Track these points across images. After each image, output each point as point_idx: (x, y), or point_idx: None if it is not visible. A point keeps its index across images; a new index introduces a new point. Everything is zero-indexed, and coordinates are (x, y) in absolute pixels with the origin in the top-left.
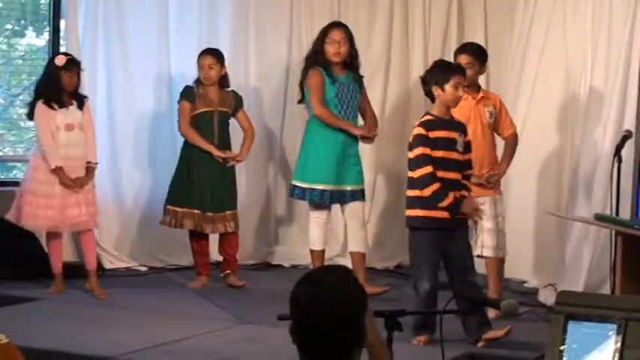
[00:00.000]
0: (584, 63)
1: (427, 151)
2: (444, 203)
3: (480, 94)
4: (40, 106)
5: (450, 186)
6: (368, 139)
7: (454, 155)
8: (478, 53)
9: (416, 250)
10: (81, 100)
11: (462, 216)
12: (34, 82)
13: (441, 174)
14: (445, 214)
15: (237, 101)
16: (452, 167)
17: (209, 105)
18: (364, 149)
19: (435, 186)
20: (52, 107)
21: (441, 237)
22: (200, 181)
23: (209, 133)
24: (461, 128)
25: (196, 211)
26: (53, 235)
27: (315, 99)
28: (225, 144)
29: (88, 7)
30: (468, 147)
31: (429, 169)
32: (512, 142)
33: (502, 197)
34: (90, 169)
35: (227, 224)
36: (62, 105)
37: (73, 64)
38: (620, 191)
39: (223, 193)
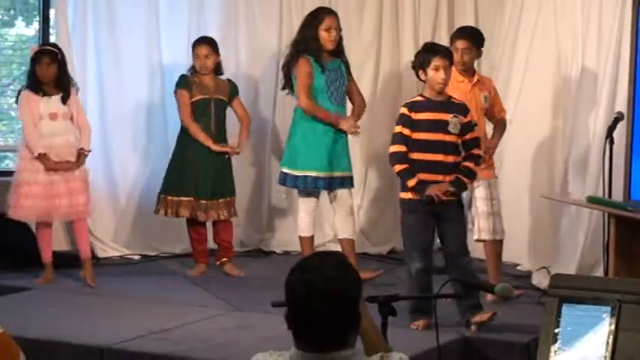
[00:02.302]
0: (574, 47)
1: (405, 131)
2: (409, 184)
3: (476, 78)
4: (23, 93)
5: (432, 168)
6: (355, 133)
7: (443, 137)
8: (475, 37)
9: (405, 231)
10: (65, 91)
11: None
12: (24, 72)
13: (419, 156)
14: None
15: (233, 89)
16: (438, 149)
17: (205, 93)
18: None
19: (402, 167)
20: (36, 94)
21: (428, 219)
22: (194, 169)
23: (206, 120)
24: (458, 109)
25: (191, 199)
26: (42, 225)
27: (303, 91)
28: (221, 132)
29: None
30: (467, 127)
31: (401, 147)
32: (501, 126)
33: (497, 181)
34: (81, 155)
35: (220, 212)
36: (45, 94)
37: (44, 54)
38: (613, 173)
39: (218, 180)
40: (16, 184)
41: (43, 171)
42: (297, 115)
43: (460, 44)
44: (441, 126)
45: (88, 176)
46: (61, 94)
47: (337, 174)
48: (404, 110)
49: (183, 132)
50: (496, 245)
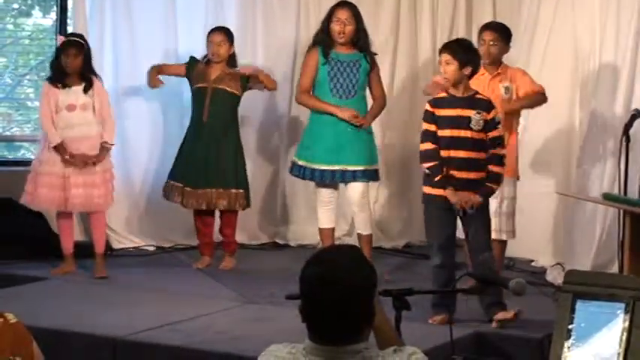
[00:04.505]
0: (592, 42)
1: (431, 127)
2: (435, 179)
3: (497, 71)
4: (44, 85)
5: (456, 165)
6: (357, 122)
7: (466, 134)
8: (502, 31)
9: (426, 225)
10: (88, 82)
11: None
12: (41, 61)
13: (443, 152)
14: (443, 192)
15: (243, 81)
16: (462, 146)
17: (204, 81)
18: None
19: (432, 163)
20: (55, 86)
21: (450, 214)
22: (187, 156)
23: (199, 110)
24: (481, 105)
25: (179, 185)
26: (62, 216)
27: (301, 83)
28: (217, 123)
29: None
30: (489, 125)
31: (429, 145)
32: (538, 96)
33: (514, 181)
34: (103, 149)
35: (220, 201)
36: (65, 85)
37: (71, 45)
38: (629, 170)
39: (214, 169)
40: (34, 172)
41: (61, 162)
42: None
43: (487, 35)
44: (463, 122)
45: (111, 169)
46: (82, 85)
47: (345, 167)
48: (427, 107)
49: (192, 118)
50: (500, 245)
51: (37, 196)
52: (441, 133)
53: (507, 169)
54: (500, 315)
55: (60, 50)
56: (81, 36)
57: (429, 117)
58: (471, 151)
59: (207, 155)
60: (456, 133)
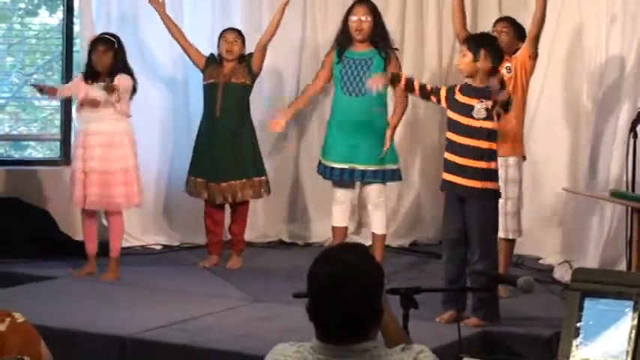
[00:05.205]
0: (598, 38)
1: (442, 90)
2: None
3: (506, 58)
4: (78, 75)
5: (452, 149)
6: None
7: (467, 121)
8: (515, 24)
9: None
10: (111, 81)
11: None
12: (48, 61)
13: (449, 135)
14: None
15: (248, 58)
16: (460, 131)
17: (215, 77)
18: None
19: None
20: (85, 81)
21: (457, 206)
22: (205, 151)
23: (211, 106)
24: (484, 94)
25: (202, 180)
26: (86, 216)
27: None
28: (230, 117)
29: None
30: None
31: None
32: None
33: (519, 161)
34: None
35: (238, 193)
36: (94, 81)
37: (100, 42)
38: (636, 167)
39: (234, 161)
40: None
41: (81, 158)
42: None
43: (499, 26)
44: (467, 110)
45: (132, 169)
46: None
47: (359, 166)
48: (456, 86)
49: (205, 114)
50: (508, 244)
51: (73, 195)
52: (450, 115)
53: (512, 146)
54: (473, 321)
55: (90, 47)
56: (113, 35)
57: (449, 89)
58: (467, 137)
59: (225, 149)
60: (459, 118)
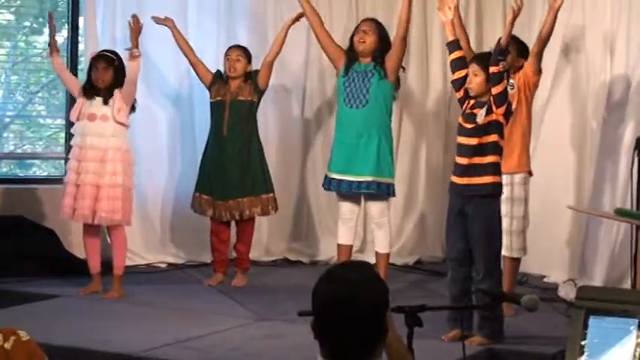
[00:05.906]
0: (604, 56)
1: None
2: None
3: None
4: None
5: (459, 151)
6: None
7: (471, 125)
8: (517, 41)
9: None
10: (109, 95)
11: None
12: (52, 79)
13: (458, 139)
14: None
15: (254, 74)
16: (465, 134)
17: (222, 95)
18: None
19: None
20: (85, 96)
21: (460, 222)
22: (212, 168)
23: (219, 123)
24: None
25: (209, 198)
26: (87, 233)
27: None
28: (238, 135)
29: (106, 4)
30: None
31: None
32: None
33: (525, 177)
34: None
35: (246, 210)
36: (91, 96)
37: (100, 58)
38: None
39: (243, 178)
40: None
41: (75, 171)
42: None
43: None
44: (472, 118)
45: (121, 188)
46: (104, 97)
47: (357, 178)
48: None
49: (211, 132)
50: (514, 262)
51: (62, 207)
52: (460, 121)
53: (517, 162)
54: (478, 340)
55: (91, 64)
56: (113, 52)
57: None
58: (471, 137)
59: (233, 166)
60: (465, 124)
